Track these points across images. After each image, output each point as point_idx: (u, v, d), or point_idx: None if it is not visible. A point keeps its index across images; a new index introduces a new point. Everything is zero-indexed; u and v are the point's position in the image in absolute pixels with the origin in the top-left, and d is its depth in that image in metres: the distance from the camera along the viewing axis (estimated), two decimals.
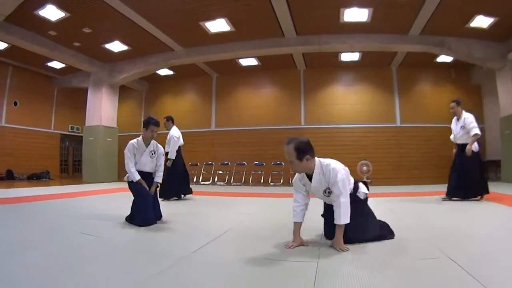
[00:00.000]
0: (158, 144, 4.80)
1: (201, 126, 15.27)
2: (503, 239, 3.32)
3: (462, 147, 6.68)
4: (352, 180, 3.42)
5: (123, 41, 12.26)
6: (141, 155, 4.61)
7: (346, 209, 3.01)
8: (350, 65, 14.19)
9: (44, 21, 10.23)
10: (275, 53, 12.58)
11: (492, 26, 10.43)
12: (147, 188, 4.55)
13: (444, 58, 13.10)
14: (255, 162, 13.82)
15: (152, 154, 4.69)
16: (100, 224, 4.34)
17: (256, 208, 6.39)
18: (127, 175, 4.59)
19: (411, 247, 3.06)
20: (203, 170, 14.10)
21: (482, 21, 10.28)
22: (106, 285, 2.15)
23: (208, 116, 15.29)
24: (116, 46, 12.62)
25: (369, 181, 12.10)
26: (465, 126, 6.61)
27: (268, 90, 15.01)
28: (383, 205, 6.08)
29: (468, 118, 6.60)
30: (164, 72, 15.23)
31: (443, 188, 7.14)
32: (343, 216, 2.99)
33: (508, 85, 11.59)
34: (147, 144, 4.64)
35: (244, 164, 13.90)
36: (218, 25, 10.92)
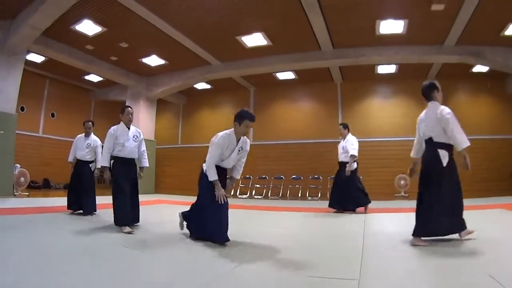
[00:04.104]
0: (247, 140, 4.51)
1: None
2: None
3: (342, 164, 7.71)
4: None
5: (160, 55, 12.49)
6: (231, 151, 4.30)
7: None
8: (386, 77, 14.12)
9: (81, 35, 10.52)
10: (312, 67, 12.60)
11: None
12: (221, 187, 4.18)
13: (480, 68, 12.89)
14: (293, 176, 13.75)
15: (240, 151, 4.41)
16: (139, 237, 4.43)
17: (294, 223, 6.44)
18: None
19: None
20: (241, 184, 14.07)
21: None
22: None
23: None
24: (153, 60, 12.85)
25: (407, 195, 12.00)
26: (346, 147, 7.53)
27: (305, 104, 14.99)
28: None
29: (349, 140, 7.59)
30: (201, 86, 15.37)
31: (483, 202, 7.09)
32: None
33: None
34: (238, 140, 4.32)
35: (282, 178, 13.85)
36: (254, 39, 11.02)
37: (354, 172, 7.62)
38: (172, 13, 9.42)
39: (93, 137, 7.07)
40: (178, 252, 3.73)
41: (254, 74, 13.47)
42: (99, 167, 6.92)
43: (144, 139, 13.56)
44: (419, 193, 4.22)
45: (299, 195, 13.16)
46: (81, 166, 6.91)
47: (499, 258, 3.26)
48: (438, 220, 3.92)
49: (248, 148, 4.49)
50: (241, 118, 4.20)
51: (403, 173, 12.20)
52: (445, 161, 4.00)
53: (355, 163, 7.63)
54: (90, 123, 7.11)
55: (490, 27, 10.03)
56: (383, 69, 13.38)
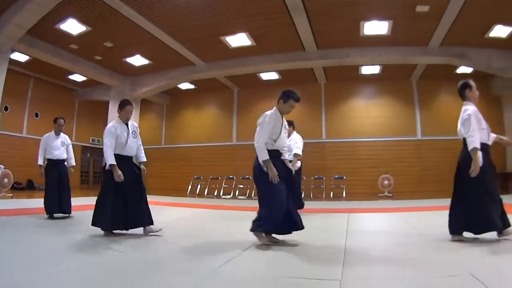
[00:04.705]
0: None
1: (222, 140, 15.38)
2: None
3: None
4: None
5: (144, 55, 12.38)
6: (280, 130, 4.21)
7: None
8: (370, 78, 14.21)
9: (66, 34, 10.39)
10: (296, 67, 12.65)
11: (511, 36, 10.35)
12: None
13: (464, 69, 13.01)
14: None
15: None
16: (122, 238, 4.32)
17: None
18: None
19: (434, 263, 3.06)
20: (224, 184, 14.06)
21: (501, 31, 10.20)
22: None
23: (229, 130, 15.37)
24: (137, 60, 12.74)
25: (391, 195, 12.05)
26: (290, 145, 7.11)
27: None
28: (403, 219, 6.08)
29: (294, 139, 7.24)
30: (185, 86, 15.35)
31: None
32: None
33: None
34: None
35: None
36: (238, 40, 11.00)
37: (298, 171, 7.26)
38: (157, 13, 9.35)
39: (63, 134, 6.84)
40: (159, 253, 3.69)
41: (238, 74, 13.48)
42: (74, 165, 6.88)
43: None
44: (454, 192, 4.22)
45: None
46: (59, 166, 6.64)
47: (480, 256, 3.30)
48: (474, 217, 3.90)
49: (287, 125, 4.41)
50: (288, 96, 4.14)
51: (386, 173, 12.27)
52: (481, 160, 3.89)
53: (299, 162, 7.33)
54: (62, 120, 6.85)
55: (474, 29, 10.12)
56: (367, 69, 13.46)
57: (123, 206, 4.42)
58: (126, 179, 4.39)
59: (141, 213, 4.47)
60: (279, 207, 3.83)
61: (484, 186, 3.90)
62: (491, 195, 3.91)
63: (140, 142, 4.87)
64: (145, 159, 4.78)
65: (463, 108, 4.17)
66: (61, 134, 6.78)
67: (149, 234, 4.42)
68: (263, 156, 3.92)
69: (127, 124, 4.67)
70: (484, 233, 3.94)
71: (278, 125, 4.11)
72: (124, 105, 4.61)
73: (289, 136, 7.31)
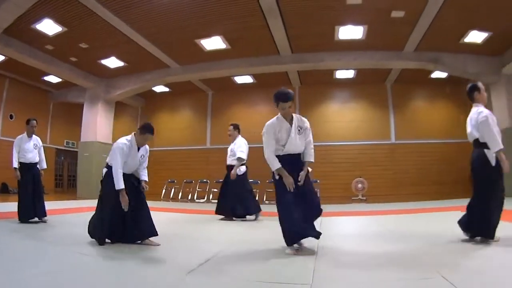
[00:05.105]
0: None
1: (196, 144, 15.28)
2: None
3: (230, 168, 7.09)
4: None
5: (120, 57, 12.25)
6: (288, 133, 4.02)
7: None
8: (345, 82, 14.30)
9: (41, 35, 10.20)
10: (270, 71, 12.68)
11: (486, 41, 10.53)
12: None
13: (438, 74, 13.19)
14: (251, 180, 13.58)
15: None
16: (91, 243, 4.18)
17: (248, 227, 6.33)
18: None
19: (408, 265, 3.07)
20: (198, 188, 13.93)
21: (476, 37, 10.39)
22: None
23: (203, 133, 15.25)
24: (113, 62, 12.60)
25: (365, 198, 12.11)
26: (234, 149, 7.06)
27: (263, 108, 14.91)
28: (377, 222, 6.10)
29: (238, 143, 7.09)
30: (160, 89, 15.26)
31: (441, 204, 7.15)
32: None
33: (502, 99, 11.68)
34: (289, 120, 4.12)
35: None
36: (213, 43, 10.96)
37: (243, 176, 7.21)
38: (133, 14, 9.26)
39: (35, 136, 6.57)
40: (135, 258, 3.58)
41: (213, 77, 13.46)
42: (45, 167, 6.64)
43: (101, 143, 13.33)
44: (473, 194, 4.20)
45: (257, 198, 13.00)
46: (33, 169, 6.41)
47: (448, 257, 3.33)
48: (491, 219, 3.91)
49: (307, 125, 4.16)
50: (275, 100, 4.10)
51: (360, 177, 12.33)
52: (493, 161, 3.91)
53: (244, 166, 7.17)
54: (35, 121, 6.55)
55: (449, 34, 10.29)
56: (341, 74, 13.55)
57: (122, 219, 4.18)
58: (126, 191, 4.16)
59: (141, 226, 4.23)
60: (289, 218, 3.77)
61: (494, 189, 3.95)
62: (496, 199, 3.95)
63: (146, 164, 4.54)
64: (146, 179, 4.46)
65: (475, 110, 4.19)
66: (33, 136, 6.53)
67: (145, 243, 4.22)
68: (274, 165, 3.85)
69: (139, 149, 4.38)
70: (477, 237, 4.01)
71: (282, 130, 3.99)
72: (145, 131, 4.27)
73: (233, 140, 7.24)
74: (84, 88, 14.40)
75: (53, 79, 14.44)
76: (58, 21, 9.48)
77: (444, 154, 13.48)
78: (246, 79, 14.11)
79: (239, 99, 15.16)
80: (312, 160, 4.04)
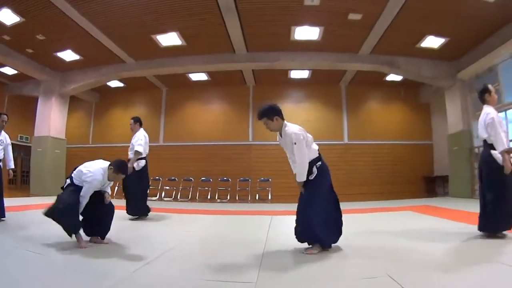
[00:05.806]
0: None
1: (149, 141, 14.91)
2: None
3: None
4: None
5: (75, 50, 12.01)
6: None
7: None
8: (299, 82, 14.46)
9: None
10: (225, 69, 12.71)
11: (442, 46, 10.84)
12: None
13: (393, 77, 13.50)
14: (202, 178, 13.66)
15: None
16: (44, 240, 4.16)
17: (200, 225, 6.32)
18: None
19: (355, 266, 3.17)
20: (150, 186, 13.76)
21: (433, 42, 10.68)
22: None
23: (157, 130, 15.08)
24: (68, 55, 12.34)
25: None
26: (133, 143, 6.81)
27: (217, 106, 15.07)
28: None
29: (137, 136, 6.86)
30: (114, 84, 15.08)
31: (393, 204, 7.28)
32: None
33: (456, 103, 12.02)
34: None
35: (191, 180, 13.66)
36: (169, 39, 10.91)
37: (142, 172, 6.83)
38: (90, 7, 9.10)
39: (3, 133, 6.18)
40: (77, 257, 3.53)
41: (168, 74, 13.38)
42: (13, 167, 6.35)
43: (54, 138, 12.98)
44: (481, 193, 4.33)
45: (209, 197, 13.11)
46: None
47: (397, 258, 3.40)
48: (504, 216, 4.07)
49: (291, 139, 3.84)
50: (118, 169, 4.17)
51: None
52: (500, 160, 4.04)
53: (144, 160, 6.86)
54: (5, 116, 6.19)
55: (406, 39, 10.53)
56: (296, 74, 13.69)
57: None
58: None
59: (103, 223, 4.30)
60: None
61: (505, 185, 4.08)
62: (504, 198, 4.08)
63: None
64: (109, 191, 4.48)
65: (484, 111, 4.33)
66: (2, 132, 6.15)
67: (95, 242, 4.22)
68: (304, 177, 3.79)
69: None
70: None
71: (283, 144, 4.02)
72: (119, 171, 4.22)
73: (134, 133, 6.95)
74: (40, 81, 14.05)
75: (9, 70, 14.02)
76: (16, 10, 9.20)
77: (397, 155, 13.85)
78: (201, 76, 14.09)
79: (194, 96, 15.11)
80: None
